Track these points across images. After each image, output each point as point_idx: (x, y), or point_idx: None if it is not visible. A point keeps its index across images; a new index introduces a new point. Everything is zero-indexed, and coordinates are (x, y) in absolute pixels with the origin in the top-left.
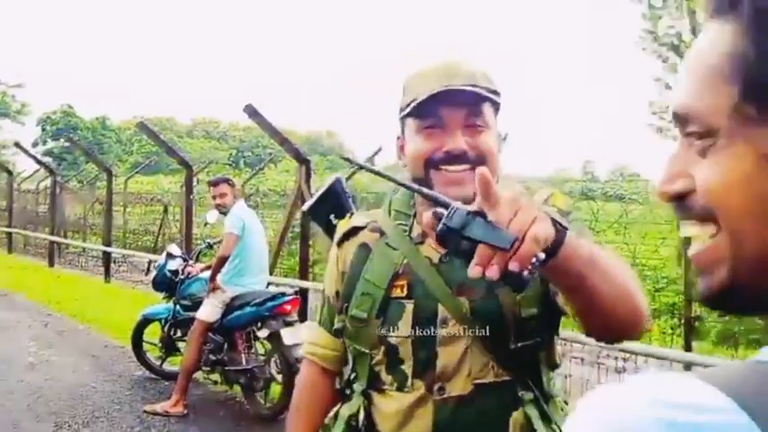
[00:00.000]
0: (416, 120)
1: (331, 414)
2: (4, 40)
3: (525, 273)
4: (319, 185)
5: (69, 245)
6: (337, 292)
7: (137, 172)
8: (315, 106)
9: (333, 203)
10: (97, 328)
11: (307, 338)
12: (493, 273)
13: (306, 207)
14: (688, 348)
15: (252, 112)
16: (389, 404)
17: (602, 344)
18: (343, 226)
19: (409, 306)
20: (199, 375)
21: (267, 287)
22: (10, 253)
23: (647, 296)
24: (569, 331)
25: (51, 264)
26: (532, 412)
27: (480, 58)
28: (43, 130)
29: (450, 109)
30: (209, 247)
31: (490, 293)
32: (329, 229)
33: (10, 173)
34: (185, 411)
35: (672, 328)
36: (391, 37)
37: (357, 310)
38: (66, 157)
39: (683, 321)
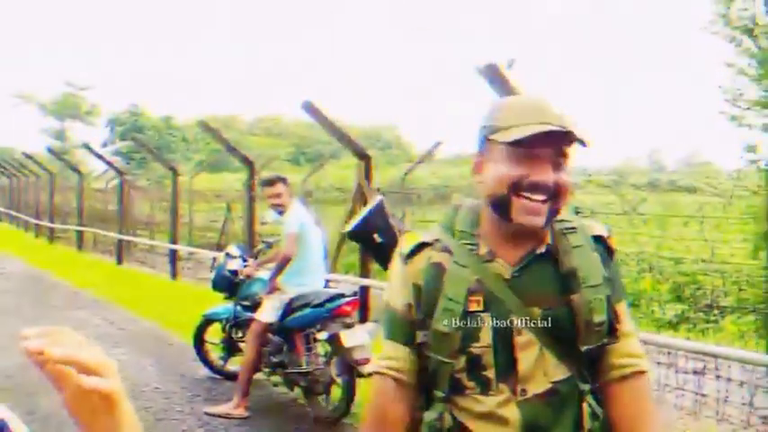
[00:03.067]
0: (508, 147)
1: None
2: (73, 42)
3: None
4: (364, 207)
5: (137, 243)
6: (409, 305)
7: (202, 170)
8: (375, 100)
9: (376, 224)
10: (162, 325)
11: (381, 355)
12: None
13: (348, 230)
14: None
15: (309, 108)
16: (476, 406)
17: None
18: (409, 241)
19: (487, 318)
20: (260, 377)
21: (327, 285)
22: (80, 251)
23: (725, 293)
24: (644, 332)
25: (120, 261)
26: (593, 401)
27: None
28: (112, 130)
29: (542, 144)
30: (269, 246)
31: (562, 302)
32: (376, 249)
33: (80, 173)
34: (247, 414)
35: (755, 327)
36: (447, 30)
37: (440, 324)
38: (134, 156)
39: (763, 319)
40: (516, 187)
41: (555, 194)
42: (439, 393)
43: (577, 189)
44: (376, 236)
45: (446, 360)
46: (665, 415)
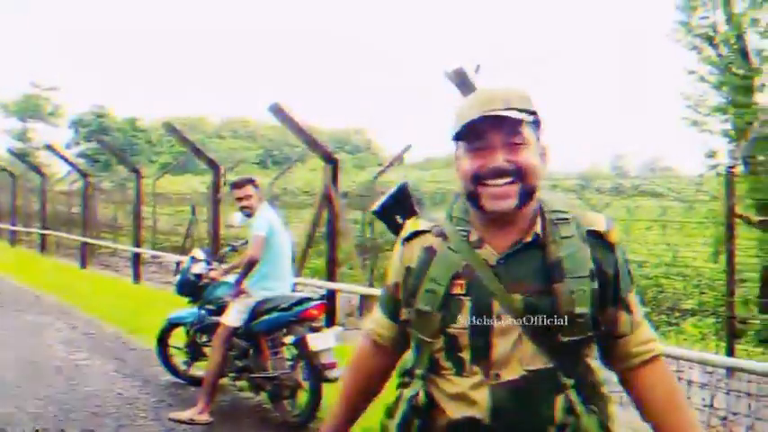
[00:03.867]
0: (465, 142)
1: (394, 398)
2: (36, 43)
3: None
4: (388, 188)
5: (101, 246)
6: (396, 284)
7: (165, 172)
8: (343, 104)
9: (400, 205)
10: (125, 330)
11: (370, 318)
12: None
13: (376, 208)
14: (730, 350)
15: (277, 110)
16: (449, 387)
17: None
18: (410, 226)
19: (467, 302)
20: (225, 382)
21: (294, 288)
22: (43, 254)
23: (686, 296)
24: None
25: (83, 265)
26: (574, 397)
27: (507, 54)
28: (76, 131)
29: (491, 132)
30: (234, 249)
31: (545, 290)
32: (395, 228)
33: (43, 175)
34: (211, 419)
35: (716, 329)
36: (418, 33)
37: (422, 304)
38: (98, 158)
39: (722, 322)
40: (478, 177)
41: (520, 175)
42: (419, 371)
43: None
44: (398, 217)
45: (426, 339)
46: (626, 420)
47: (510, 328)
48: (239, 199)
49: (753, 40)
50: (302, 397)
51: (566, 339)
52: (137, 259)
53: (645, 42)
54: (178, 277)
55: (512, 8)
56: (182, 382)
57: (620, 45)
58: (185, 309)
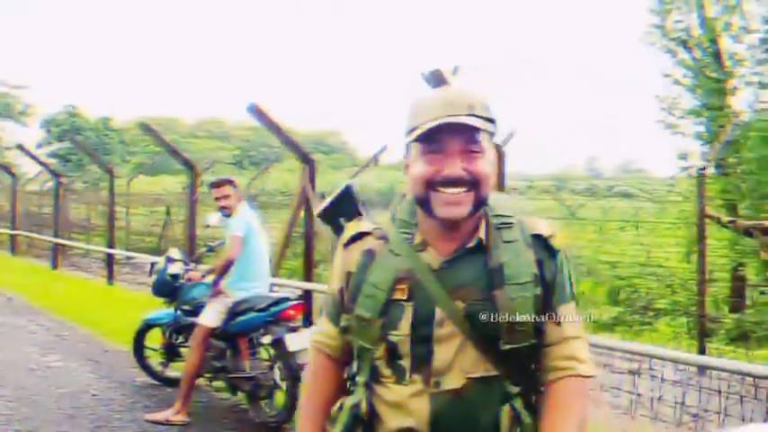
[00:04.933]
0: (420, 144)
1: (336, 406)
2: (7, 42)
3: None
4: (332, 189)
5: (73, 247)
6: (340, 289)
7: (140, 173)
8: (319, 105)
9: (345, 208)
10: (99, 332)
11: (316, 329)
12: None
13: (318, 210)
14: (702, 348)
15: (255, 111)
16: (389, 395)
17: (615, 345)
18: (351, 229)
19: (409, 308)
20: (202, 382)
21: (271, 289)
22: (14, 255)
23: (659, 296)
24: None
25: (55, 266)
26: (519, 405)
27: (483, 56)
28: (47, 131)
29: (449, 137)
30: (211, 250)
31: (487, 297)
32: (339, 232)
33: (13, 175)
34: (188, 420)
35: (688, 328)
36: (395, 36)
37: (362, 310)
38: (70, 158)
39: (694, 321)
40: (431, 184)
41: (474, 184)
42: (361, 379)
43: (519, 195)
44: (342, 220)
45: (366, 346)
46: (600, 418)
47: (452, 334)
48: (218, 199)
49: (726, 44)
50: (279, 397)
51: (507, 347)
52: (110, 260)
53: (620, 45)
54: (154, 278)
55: (490, 11)
56: (158, 383)
57: (596, 48)
58: (161, 309)
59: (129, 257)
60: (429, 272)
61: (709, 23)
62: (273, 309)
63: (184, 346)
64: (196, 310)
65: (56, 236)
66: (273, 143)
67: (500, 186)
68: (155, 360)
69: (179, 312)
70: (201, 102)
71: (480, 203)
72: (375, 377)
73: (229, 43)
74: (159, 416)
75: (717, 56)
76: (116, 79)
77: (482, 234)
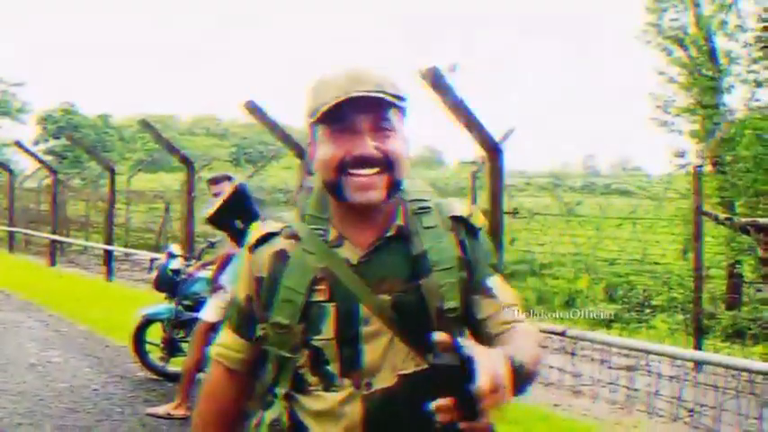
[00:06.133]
0: (325, 125)
1: (254, 421)
2: (4, 39)
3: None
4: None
5: (71, 244)
6: (248, 297)
7: (139, 170)
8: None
9: (237, 209)
10: (98, 328)
11: (216, 342)
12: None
13: (205, 215)
14: (698, 344)
15: (252, 108)
16: (316, 404)
17: (612, 342)
18: (256, 231)
19: (331, 309)
20: (202, 377)
21: None
22: (11, 252)
23: (656, 292)
24: (579, 330)
25: (53, 263)
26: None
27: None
28: (44, 128)
29: (358, 114)
30: (212, 245)
31: (411, 288)
32: (236, 235)
33: (11, 172)
34: (188, 414)
35: (684, 325)
36: (394, 34)
37: (279, 316)
38: (67, 155)
39: (691, 317)
40: (342, 166)
41: (387, 164)
42: (280, 391)
43: (517, 192)
44: (238, 222)
45: (287, 355)
46: (598, 413)
47: (380, 331)
48: (216, 195)
49: (721, 42)
50: None
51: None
52: (109, 257)
53: (616, 43)
54: (156, 273)
55: (484, 8)
56: (157, 377)
57: (593, 45)
58: (160, 305)
59: (127, 254)
60: (348, 267)
61: (704, 21)
62: None
63: (185, 341)
64: (197, 305)
65: (54, 232)
66: (270, 140)
67: (499, 184)
68: (155, 355)
69: (179, 307)
70: (198, 99)
71: (395, 187)
72: (298, 387)
73: (226, 40)
74: (160, 410)
75: (712, 54)
76: (113, 77)
77: (401, 221)
